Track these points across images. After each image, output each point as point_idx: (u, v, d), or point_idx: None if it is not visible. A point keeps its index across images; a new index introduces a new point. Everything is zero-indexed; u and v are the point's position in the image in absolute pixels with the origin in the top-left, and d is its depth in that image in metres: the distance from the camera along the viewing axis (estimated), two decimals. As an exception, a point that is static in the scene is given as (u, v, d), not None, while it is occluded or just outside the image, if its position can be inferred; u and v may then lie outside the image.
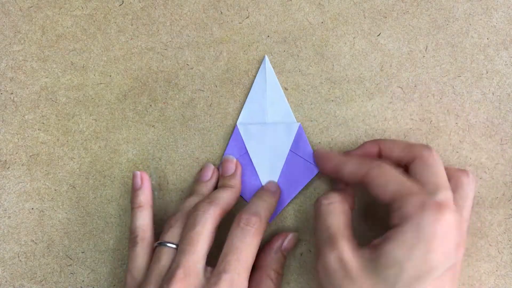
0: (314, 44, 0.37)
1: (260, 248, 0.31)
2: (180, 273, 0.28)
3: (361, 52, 0.37)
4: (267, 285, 0.32)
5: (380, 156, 0.32)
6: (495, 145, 0.36)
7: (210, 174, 0.35)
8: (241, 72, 0.37)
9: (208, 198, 0.32)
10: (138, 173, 0.34)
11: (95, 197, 0.36)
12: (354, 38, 0.37)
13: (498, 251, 0.35)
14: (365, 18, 0.37)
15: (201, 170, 0.35)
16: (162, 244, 0.30)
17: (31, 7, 0.37)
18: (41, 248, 0.35)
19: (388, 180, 0.28)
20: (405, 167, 0.30)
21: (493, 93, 0.36)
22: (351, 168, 0.30)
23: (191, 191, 0.35)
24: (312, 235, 0.35)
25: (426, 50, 0.37)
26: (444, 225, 0.25)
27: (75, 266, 0.35)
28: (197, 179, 0.35)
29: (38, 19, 0.37)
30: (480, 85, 0.37)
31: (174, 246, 0.30)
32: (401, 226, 0.26)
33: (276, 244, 0.33)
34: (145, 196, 0.33)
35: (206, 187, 0.34)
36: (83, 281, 0.35)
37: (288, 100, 0.36)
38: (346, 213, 0.30)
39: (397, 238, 0.26)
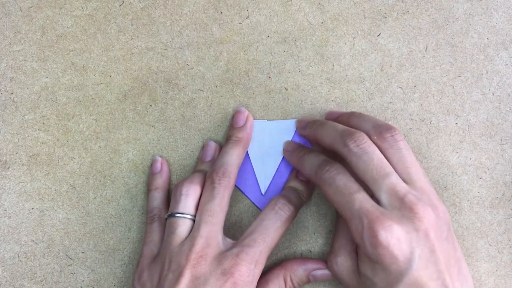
0: (314, 44, 0.37)
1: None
2: (202, 242, 0.29)
3: (361, 52, 0.37)
4: (279, 285, 0.32)
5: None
6: (495, 145, 0.36)
7: (212, 153, 0.35)
8: (241, 72, 0.37)
9: (220, 166, 0.32)
10: (159, 158, 0.35)
11: (95, 197, 0.36)
12: (354, 38, 0.37)
13: (498, 251, 0.35)
14: (365, 18, 0.37)
15: (203, 149, 0.35)
16: (174, 215, 0.31)
17: (31, 7, 0.37)
18: (41, 248, 0.35)
19: (337, 200, 0.29)
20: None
21: (493, 93, 0.36)
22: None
23: (194, 171, 0.35)
24: (312, 236, 0.35)
25: (426, 50, 0.37)
26: (384, 244, 0.26)
27: (75, 266, 0.35)
28: (200, 158, 0.35)
29: (38, 19, 0.37)
30: (480, 85, 0.37)
31: (189, 217, 0.31)
32: (359, 249, 0.28)
33: (310, 265, 0.33)
34: (162, 180, 0.35)
35: (209, 167, 0.34)
36: (83, 281, 0.35)
37: (288, 100, 0.36)
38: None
39: (360, 259, 0.28)
